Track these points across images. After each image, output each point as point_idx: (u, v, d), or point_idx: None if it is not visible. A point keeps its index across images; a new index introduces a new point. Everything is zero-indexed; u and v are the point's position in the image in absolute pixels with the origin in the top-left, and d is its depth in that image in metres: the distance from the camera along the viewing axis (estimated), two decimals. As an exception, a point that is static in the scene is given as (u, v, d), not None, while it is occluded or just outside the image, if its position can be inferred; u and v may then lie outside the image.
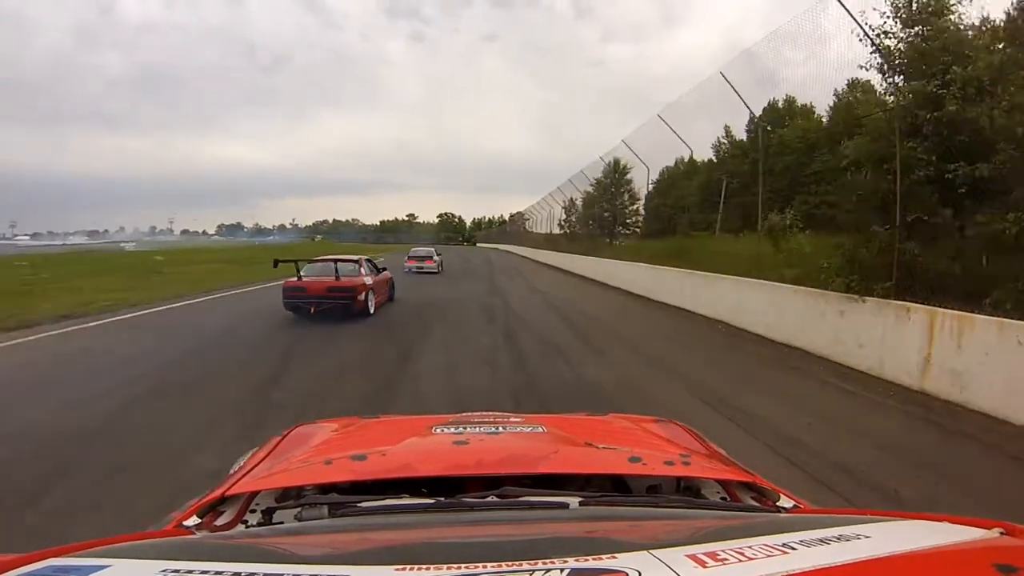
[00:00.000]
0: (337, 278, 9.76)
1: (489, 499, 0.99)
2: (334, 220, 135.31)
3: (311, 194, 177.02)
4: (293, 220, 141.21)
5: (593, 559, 0.63)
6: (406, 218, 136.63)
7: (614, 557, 0.63)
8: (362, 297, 9.94)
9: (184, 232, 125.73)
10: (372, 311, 10.26)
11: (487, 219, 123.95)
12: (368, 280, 10.42)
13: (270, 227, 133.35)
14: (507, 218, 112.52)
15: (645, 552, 0.65)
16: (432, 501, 0.98)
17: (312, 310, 9.51)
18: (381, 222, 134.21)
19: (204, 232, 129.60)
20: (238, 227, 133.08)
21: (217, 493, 1.06)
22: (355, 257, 11.26)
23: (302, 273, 10.07)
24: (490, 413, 1.72)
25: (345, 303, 9.63)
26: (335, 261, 10.36)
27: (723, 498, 1.17)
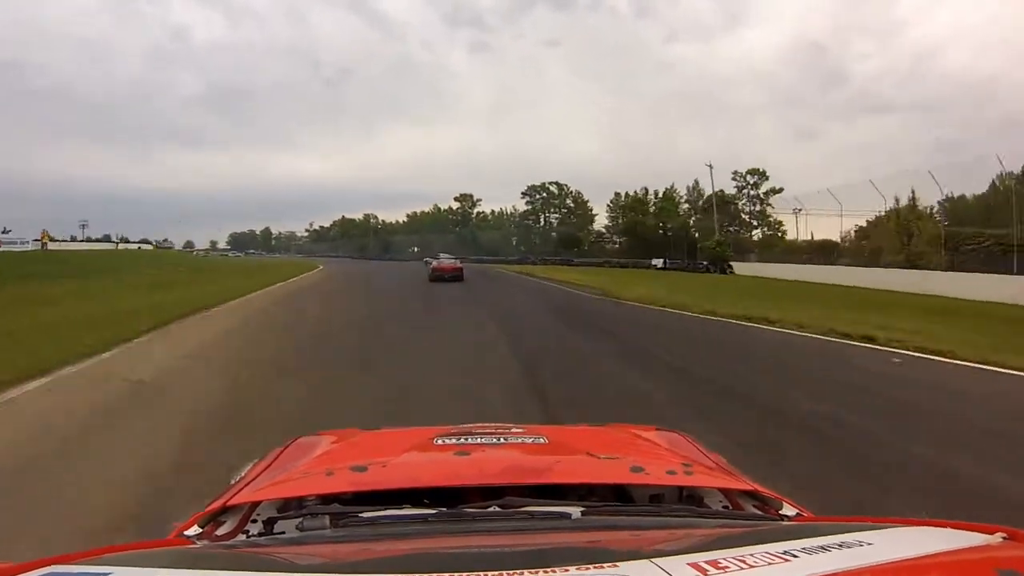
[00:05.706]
0: (453, 263, 25.82)
1: (491, 509, 0.99)
2: (344, 217, 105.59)
3: (383, 206, 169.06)
4: (311, 224, 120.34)
5: (595, 567, 0.63)
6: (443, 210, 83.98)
7: (615, 566, 0.63)
8: (461, 271, 25.20)
9: (157, 241, 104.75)
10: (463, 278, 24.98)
11: (632, 193, 59.52)
12: (460, 264, 26.31)
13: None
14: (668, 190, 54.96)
15: (647, 560, 0.65)
16: (434, 511, 0.97)
17: (444, 277, 24.13)
18: (408, 215, 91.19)
19: (214, 244, 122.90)
20: (249, 236, 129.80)
21: (218, 503, 1.07)
22: (453, 256, 29.90)
23: (435, 263, 26.25)
24: (492, 424, 1.71)
25: (458, 274, 24.67)
26: (448, 258, 28.29)
27: (725, 507, 1.17)
